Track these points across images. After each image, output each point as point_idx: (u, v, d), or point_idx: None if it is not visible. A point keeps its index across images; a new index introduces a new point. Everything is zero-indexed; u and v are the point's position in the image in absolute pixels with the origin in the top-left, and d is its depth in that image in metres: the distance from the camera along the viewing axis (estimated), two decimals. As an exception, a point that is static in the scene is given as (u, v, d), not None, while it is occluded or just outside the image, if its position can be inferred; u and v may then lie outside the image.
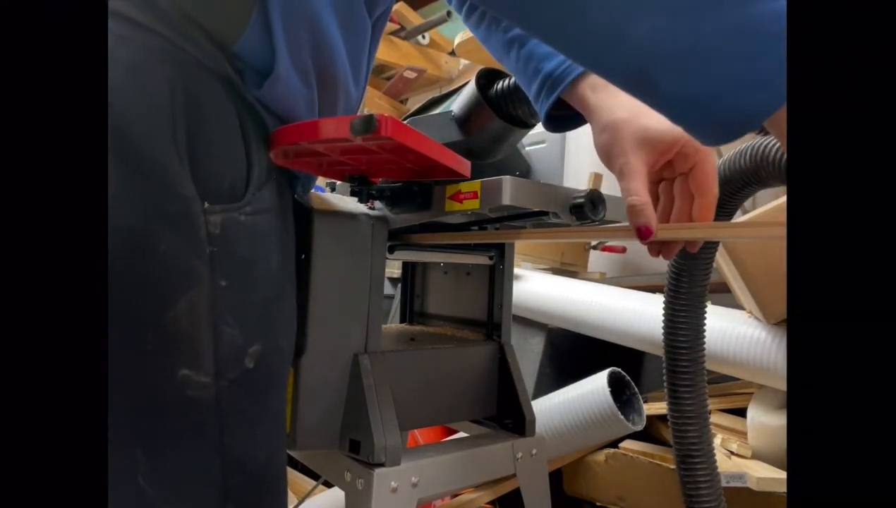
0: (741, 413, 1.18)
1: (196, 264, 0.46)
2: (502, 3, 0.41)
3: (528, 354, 1.41)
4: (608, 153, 0.54)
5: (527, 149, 0.81)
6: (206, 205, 0.46)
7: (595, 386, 1.12)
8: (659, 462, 1.13)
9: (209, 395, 0.47)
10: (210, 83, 0.48)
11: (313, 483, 1.17)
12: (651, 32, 0.35)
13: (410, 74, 2.48)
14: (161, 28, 0.46)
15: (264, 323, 0.50)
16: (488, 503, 1.15)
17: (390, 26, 2.34)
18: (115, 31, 0.44)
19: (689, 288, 0.77)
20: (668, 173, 0.55)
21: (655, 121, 0.51)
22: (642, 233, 0.49)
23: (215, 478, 0.48)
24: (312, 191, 0.65)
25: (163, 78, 0.45)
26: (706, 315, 0.80)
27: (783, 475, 1.02)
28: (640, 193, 0.50)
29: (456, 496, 1.14)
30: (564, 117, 0.61)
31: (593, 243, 1.77)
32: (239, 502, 0.49)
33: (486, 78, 0.68)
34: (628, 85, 0.39)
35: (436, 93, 0.79)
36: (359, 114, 0.47)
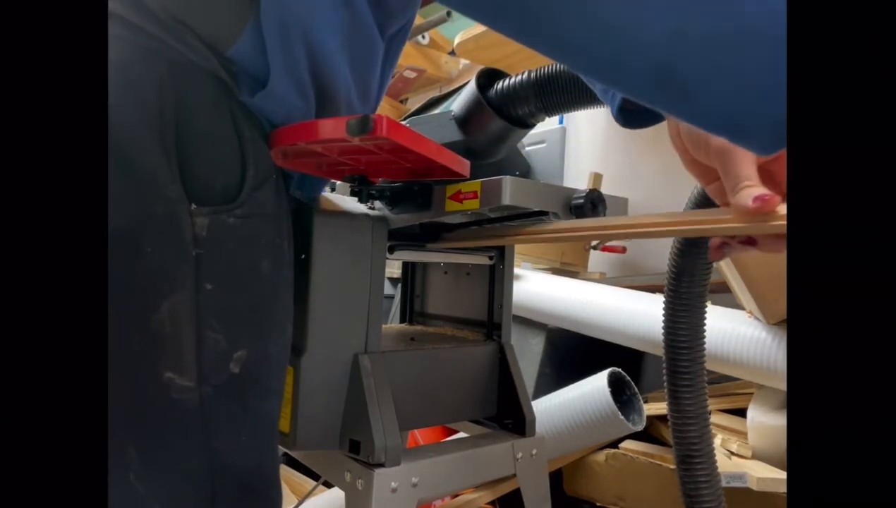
0: (741, 413, 1.18)
1: (180, 267, 0.45)
2: (494, 14, 0.35)
3: (528, 354, 1.41)
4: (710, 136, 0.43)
5: (527, 149, 0.81)
6: (194, 206, 0.46)
7: (595, 386, 1.12)
8: (659, 463, 1.13)
9: (193, 399, 0.46)
10: (202, 83, 0.47)
11: (313, 483, 1.17)
12: (676, 24, 0.29)
13: (410, 74, 2.49)
14: (151, 27, 0.46)
15: (252, 327, 0.50)
16: (488, 503, 1.14)
17: (390, 26, 2.33)
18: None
19: (689, 288, 0.77)
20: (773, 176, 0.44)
21: None
22: (766, 204, 0.38)
23: (203, 481, 0.47)
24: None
25: (152, 77, 0.45)
26: (706, 315, 0.80)
27: (783, 475, 1.02)
28: (753, 179, 0.40)
29: (456, 496, 1.14)
30: (637, 112, 0.54)
31: (593, 243, 1.77)
32: (227, 506, 0.48)
33: (487, 78, 0.68)
34: (652, 92, 0.33)
35: (436, 94, 0.79)
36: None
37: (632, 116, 0.55)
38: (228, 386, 0.48)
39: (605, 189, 0.69)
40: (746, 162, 0.42)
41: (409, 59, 2.42)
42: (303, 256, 0.61)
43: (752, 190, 0.40)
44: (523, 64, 0.64)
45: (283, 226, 0.54)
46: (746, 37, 0.29)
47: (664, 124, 0.50)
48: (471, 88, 0.67)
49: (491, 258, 0.81)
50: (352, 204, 0.67)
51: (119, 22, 0.45)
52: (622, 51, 0.32)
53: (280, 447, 0.60)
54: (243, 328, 0.49)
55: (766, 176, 0.43)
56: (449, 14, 2.24)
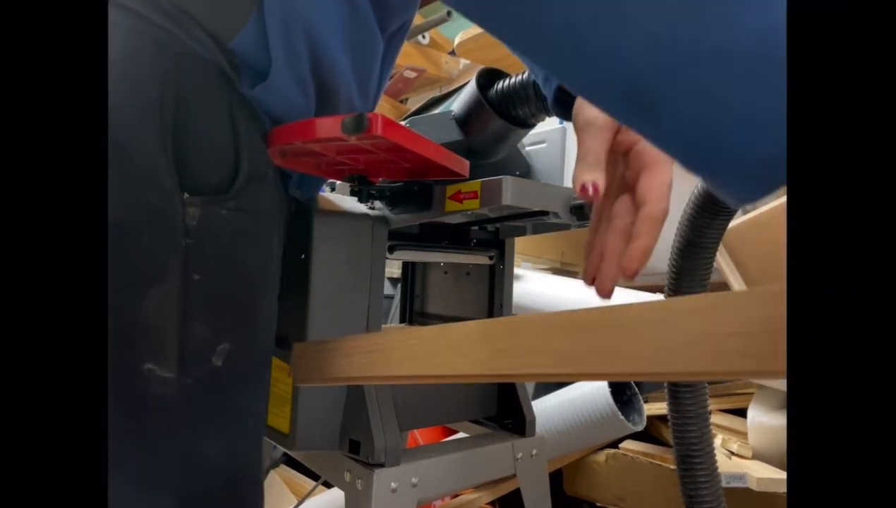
0: (741, 413, 1.18)
1: (170, 256, 0.45)
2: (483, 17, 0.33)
3: (528, 354, 1.40)
4: (580, 107, 0.48)
5: (527, 149, 0.81)
6: (187, 196, 0.46)
7: (595, 385, 1.12)
8: (659, 463, 1.13)
9: (172, 391, 0.45)
10: (203, 74, 0.47)
11: (313, 483, 1.17)
12: (650, 40, 0.26)
13: (410, 74, 2.48)
14: (155, 16, 0.46)
15: (237, 321, 0.49)
16: (488, 503, 1.14)
17: (390, 26, 2.33)
18: (109, 18, 0.44)
19: (689, 288, 0.77)
20: (613, 179, 0.47)
21: None
22: (585, 190, 0.42)
23: (175, 480, 0.46)
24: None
25: (154, 67, 0.45)
26: (706, 315, 0.79)
27: (783, 475, 1.02)
28: (600, 155, 0.44)
29: (456, 496, 1.14)
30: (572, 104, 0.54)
31: (593, 243, 1.77)
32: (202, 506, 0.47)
33: (487, 78, 0.68)
34: (627, 114, 0.30)
35: (436, 93, 0.79)
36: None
37: (567, 108, 0.54)
38: (210, 379, 0.47)
39: (606, 189, 0.69)
40: (599, 140, 0.44)
41: (409, 58, 2.42)
42: (303, 256, 0.61)
43: (585, 172, 0.42)
44: (523, 64, 0.64)
45: (275, 222, 0.53)
46: (736, 54, 0.25)
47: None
48: (471, 88, 0.67)
49: (491, 258, 0.81)
50: (352, 204, 0.67)
51: (124, 11, 0.45)
52: (592, 68, 0.29)
53: (280, 447, 0.59)
54: (228, 321, 0.49)
55: (623, 184, 0.46)
56: (449, 14, 2.24)
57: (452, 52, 2.43)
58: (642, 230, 0.43)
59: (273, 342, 0.55)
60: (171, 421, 0.46)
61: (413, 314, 0.95)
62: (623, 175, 0.47)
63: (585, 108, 0.47)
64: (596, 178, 0.42)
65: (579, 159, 0.44)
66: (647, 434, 1.23)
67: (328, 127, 0.47)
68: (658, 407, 1.20)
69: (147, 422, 0.45)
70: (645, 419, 1.12)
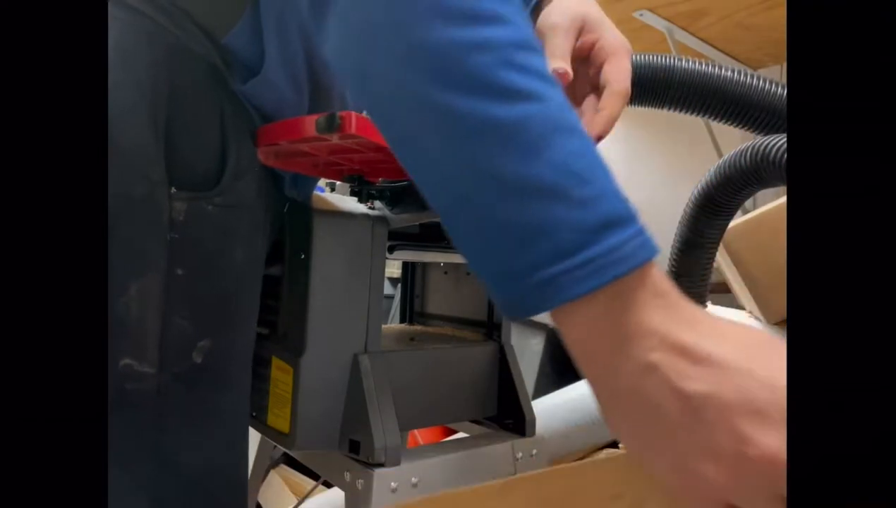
0: (741, 413, 1.18)
1: (154, 250, 0.45)
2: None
3: (528, 354, 1.41)
4: (546, 14, 0.52)
5: (527, 148, 0.81)
6: (174, 190, 0.46)
7: (595, 386, 1.12)
8: (659, 463, 1.13)
9: (149, 387, 0.45)
10: (195, 69, 0.47)
11: (313, 483, 1.17)
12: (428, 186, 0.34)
13: (410, 74, 2.48)
14: (150, 10, 0.46)
15: (218, 318, 0.49)
16: (488, 503, 1.14)
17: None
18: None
19: (689, 288, 0.77)
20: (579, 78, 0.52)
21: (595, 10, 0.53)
22: (556, 74, 0.46)
23: (148, 480, 0.45)
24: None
25: (149, 61, 0.45)
26: (706, 315, 0.79)
27: (783, 475, 1.02)
28: (566, 50, 0.49)
29: (456, 496, 1.14)
30: None
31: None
32: None
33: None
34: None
35: (436, 93, 0.79)
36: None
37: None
38: (188, 376, 0.47)
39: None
40: (563, 39, 0.49)
41: (409, 58, 2.41)
42: (302, 256, 0.61)
43: (554, 62, 0.47)
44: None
45: (260, 219, 0.53)
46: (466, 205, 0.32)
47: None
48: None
49: (491, 258, 0.81)
50: (352, 204, 0.66)
51: (118, 4, 0.45)
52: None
53: (280, 447, 0.59)
54: (210, 317, 0.48)
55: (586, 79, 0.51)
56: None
57: (452, 52, 2.41)
58: (607, 103, 0.48)
59: (254, 338, 0.55)
60: (143, 420, 0.45)
61: (413, 314, 0.95)
62: (587, 75, 0.52)
63: (551, 15, 0.51)
64: (564, 66, 0.47)
65: (548, 55, 0.48)
66: (648, 434, 1.22)
67: (303, 126, 0.47)
68: (658, 407, 1.20)
69: (121, 419, 0.44)
70: (645, 419, 1.12)
